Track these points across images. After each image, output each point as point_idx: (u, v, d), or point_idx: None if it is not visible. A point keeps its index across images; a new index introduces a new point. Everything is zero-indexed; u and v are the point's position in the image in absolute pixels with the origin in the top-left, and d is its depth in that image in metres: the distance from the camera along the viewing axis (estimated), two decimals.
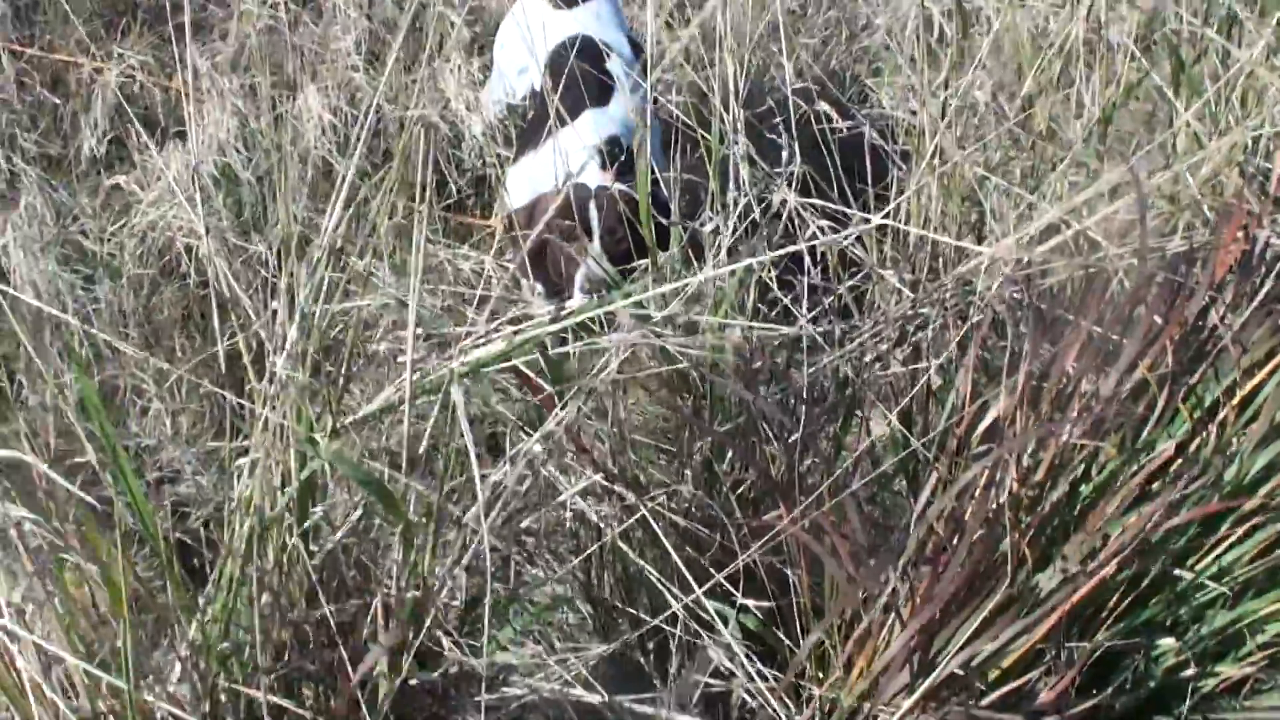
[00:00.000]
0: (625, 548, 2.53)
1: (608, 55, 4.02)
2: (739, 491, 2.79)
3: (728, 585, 2.47)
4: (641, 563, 2.49)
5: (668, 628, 2.48)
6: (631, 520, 2.50)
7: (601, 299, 3.53)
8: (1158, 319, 2.49)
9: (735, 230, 2.74)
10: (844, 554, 2.41)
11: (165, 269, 4.00)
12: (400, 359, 2.21)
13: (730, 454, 2.76)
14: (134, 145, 4.43)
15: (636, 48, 4.26)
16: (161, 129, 4.66)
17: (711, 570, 2.47)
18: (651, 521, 2.42)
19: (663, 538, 2.40)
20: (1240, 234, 2.64)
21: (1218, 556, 2.61)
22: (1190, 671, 2.66)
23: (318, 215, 4.11)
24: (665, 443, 2.97)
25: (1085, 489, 2.55)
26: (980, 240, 3.27)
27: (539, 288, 3.82)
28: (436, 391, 2.25)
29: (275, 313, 2.24)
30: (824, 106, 3.34)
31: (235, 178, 4.17)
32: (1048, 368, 2.44)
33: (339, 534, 2.35)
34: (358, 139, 2.26)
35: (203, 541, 2.91)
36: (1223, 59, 3.63)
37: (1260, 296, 2.70)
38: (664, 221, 2.85)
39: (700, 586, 2.38)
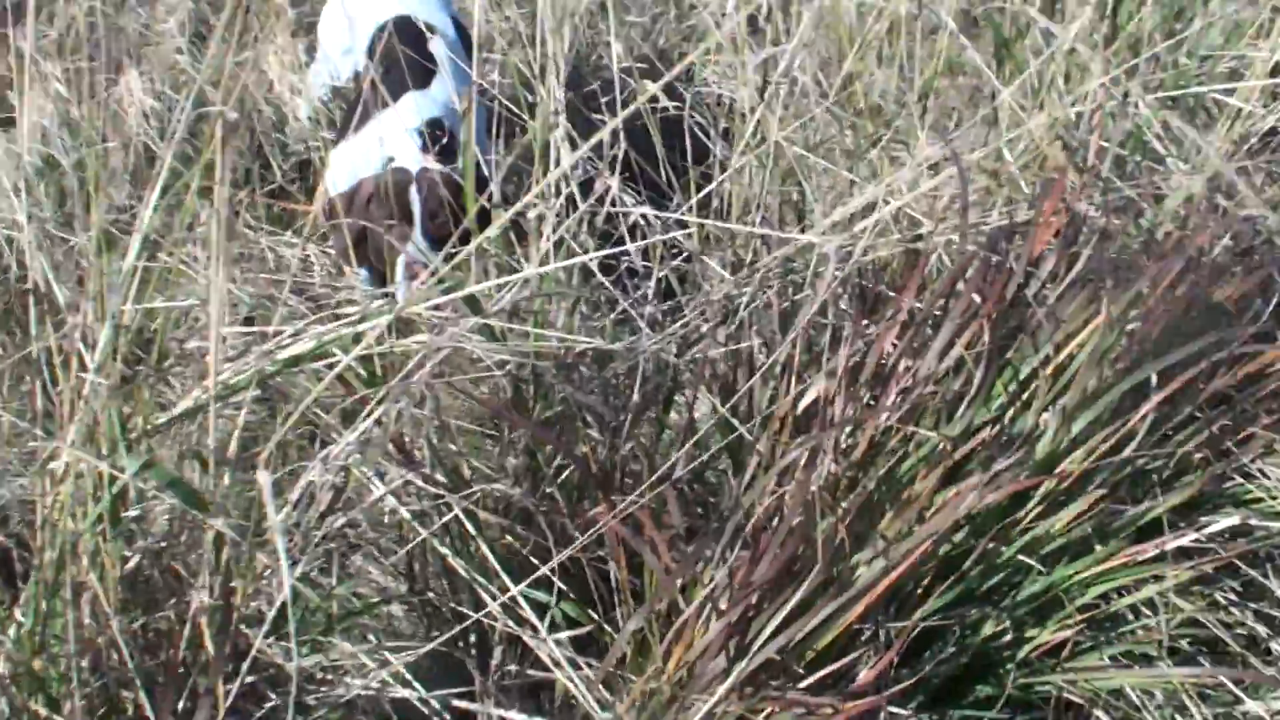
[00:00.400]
0: (441, 548, 2.51)
1: (430, 36, 3.98)
2: (561, 479, 2.80)
3: (551, 576, 2.46)
4: (457, 562, 2.48)
5: (488, 621, 2.48)
6: (449, 516, 2.49)
7: (426, 287, 3.52)
8: (976, 296, 2.52)
9: (558, 218, 2.72)
10: (662, 543, 2.41)
11: None
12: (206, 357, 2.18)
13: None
14: None
15: (461, 29, 4.22)
16: None
17: (535, 562, 2.47)
18: (464, 520, 2.41)
19: (478, 537, 2.39)
20: (1060, 207, 2.68)
21: (1031, 527, 2.64)
22: (1008, 639, 2.69)
23: (140, 204, 4.06)
24: (491, 430, 2.95)
25: (904, 467, 2.57)
26: (801, 219, 3.28)
27: (363, 274, 3.78)
28: (247, 389, 2.22)
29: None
30: (649, 85, 3.34)
31: (58, 166, 4.09)
32: (868, 348, 2.46)
33: (149, 539, 2.31)
34: (177, 125, 2.22)
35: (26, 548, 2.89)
36: (1045, 36, 3.67)
37: (1077, 268, 2.75)
38: (486, 205, 2.83)
39: (524, 577, 2.38)
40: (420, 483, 2.47)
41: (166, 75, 4.57)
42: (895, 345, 2.57)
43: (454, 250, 3.25)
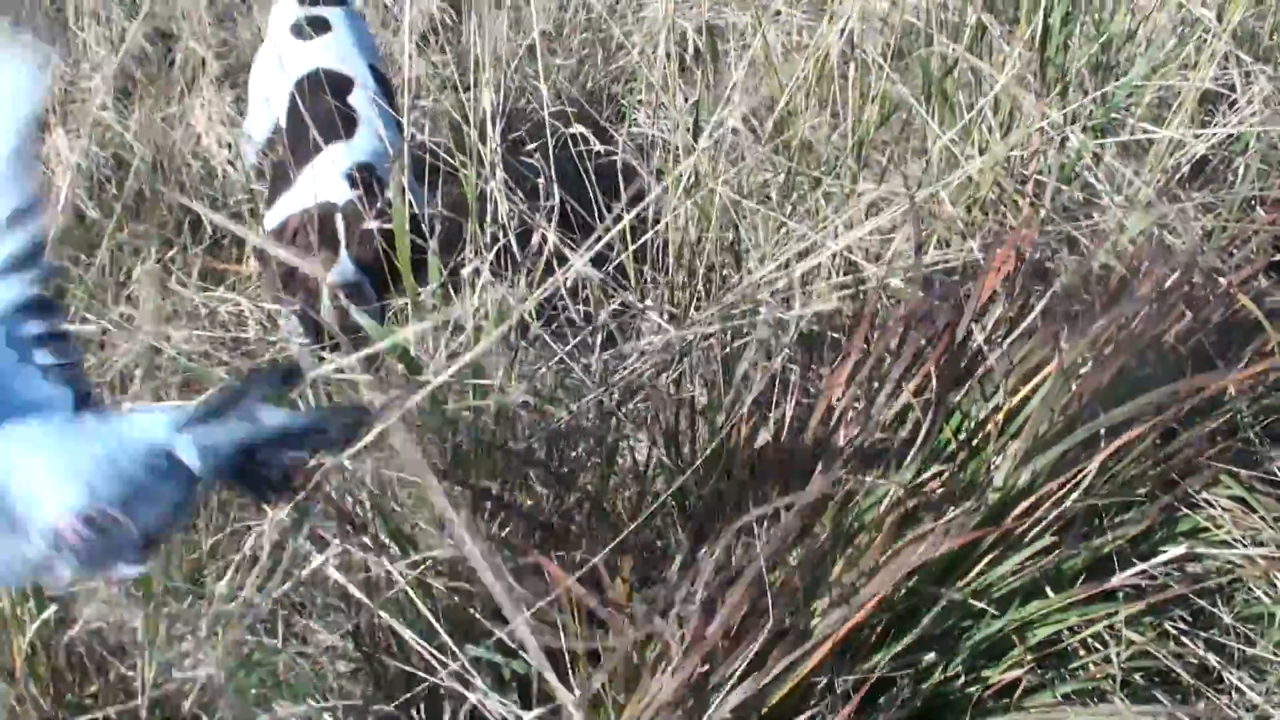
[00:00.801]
0: (386, 615, 2.48)
1: (350, 87, 3.94)
2: (506, 532, 2.77)
3: (504, 637, 2.44)
4: (404, 629, 2.44)
5: (433, 679, 2.45)
6: (396, 588, 2.45)
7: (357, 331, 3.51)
8: (924, 342, 2.51)
9: (495, 273, 2.71)
10: (620, 597, 2.39)
11: None
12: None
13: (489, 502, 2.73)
14: None
15: (381, 77, 4.18)
16: None
17: (484, 621, 2.45)
18: (409, 589, 2.38)
19: (419, 602, 2.36)
20: (1010, 254, 2.68)
21: (983, 571, 2.63)
22: (961, 681, 2.68)
23: (71, 264, 4.02)
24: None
25: (855, 515, 2.56)
26: (739, 262, 3.27)
27: (294, 321, 3.75)
28: None
29: None
30: (580, 129, 3.32)
31: None
32: (816, 394, 2.45)
33: (82, 621, 2.27)
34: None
35: None
36: (975, 73, 3.69)
37: (1030, 315, 2.75)
38: (423, 244, 2.80)
39: (474, 635, 2.36)
40: (359, 551, 2.43)
41: (93, 132, 4.52)
42: (843, 391, 2.55)
43: (386, 303, 3.23)
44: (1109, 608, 2.72)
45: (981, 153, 3.44)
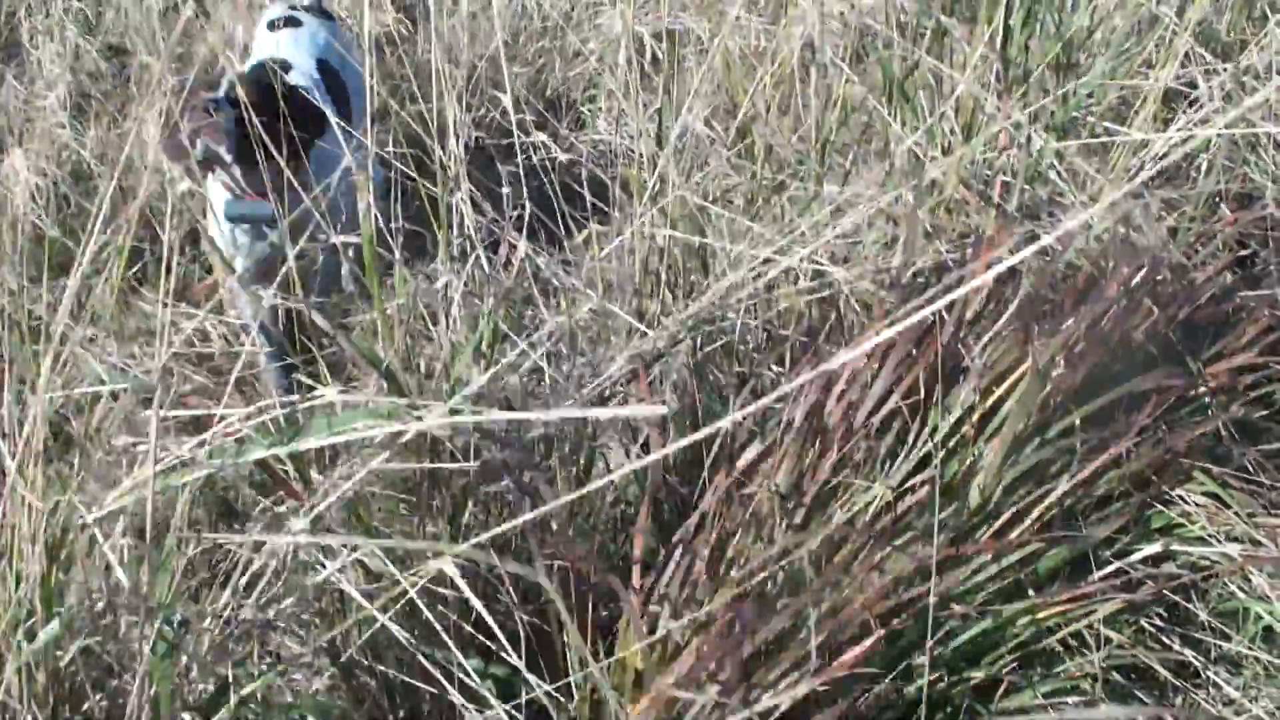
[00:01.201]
0: (392, 625, 2.45)
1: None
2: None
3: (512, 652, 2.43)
4: (404, 637, 2.42)
5: (418, 684, 2.45)
6: (402, 600, 2.44)
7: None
8: (910, 349, 2.51)
9: (466, 284, 2.70)
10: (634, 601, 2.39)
11: None
12: (138, 447, 2.14)
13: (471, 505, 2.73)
14: None
15: (329, 70, 4.22)
16: None
17: (467, 627, 2.44)
18: (416, 601, 2.36)
19: (429, 616, 2.34)
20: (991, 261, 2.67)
21: (964, 575, 2.63)
22: (943, 684, 2.68)
23: (31, 285, 3.99)
24: (407, 496, 2.91)
25: (838, 519, 2.56)
26: (706, 268, 3.27)
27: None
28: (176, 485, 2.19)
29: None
30: (541, 137, 3.32)
31: None
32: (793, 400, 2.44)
33: (79, 641, 2.26)
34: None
35: None
36: (936, 75, 3.69)
37: (1005, 315, 2.75)
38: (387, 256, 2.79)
39: (456, 641, 2.35)
40: (340, 573, 2.42)
41: (50, 151, 4.50)
42: (828, 396, 2.55)
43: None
44: (1087, 606, 2.72)
45: (945, 153, 3.44)
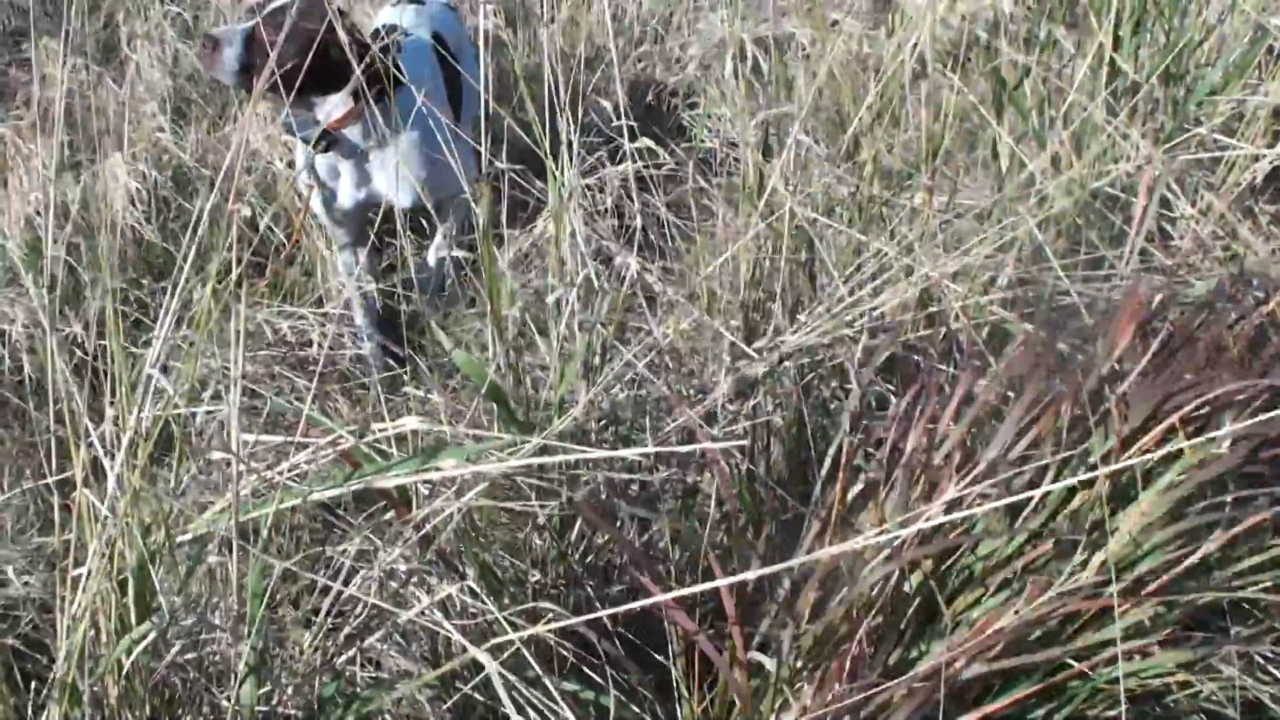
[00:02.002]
0: (485, 657, 2.43)
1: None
2: (588, 561, 2.75)
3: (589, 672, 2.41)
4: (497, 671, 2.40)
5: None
6: (502, 639, 2.42)
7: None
8: (1052, 384, 2.43)
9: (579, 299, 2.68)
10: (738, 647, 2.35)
11: None
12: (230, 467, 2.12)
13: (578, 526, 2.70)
14: None
15: (443, 42, 4.25)
16: None
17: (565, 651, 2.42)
18: (516, 640, 2.34)
19: (525, 653, 2.32)
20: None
21: (1091, 630, 2.55)
22: None
23: (130, 288, 4.01)
24: (508, 522, 2.89)
25: (960, 567, 2.50)
26: (813, 280, 3.23)
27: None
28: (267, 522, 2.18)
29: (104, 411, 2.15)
30: (648, 143, 3.29)
31: (39, 250, 4.03)
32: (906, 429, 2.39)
33: (174, 652, 2.25)
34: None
35: (35, 646, 2.83)
36: (1045, 84, 3.64)
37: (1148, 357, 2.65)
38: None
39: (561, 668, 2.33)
40: (464, 597, 2.40)
41: (150, 154, 4.51)
42: (937, 427, 2.48)
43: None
44: (1207, 651, 2.63)
45: (1054, 164, 3.38)
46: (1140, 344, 2.54)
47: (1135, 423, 2.46)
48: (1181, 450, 2.46)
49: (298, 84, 3.03)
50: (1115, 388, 2.49)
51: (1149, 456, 2.07)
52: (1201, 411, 2.51)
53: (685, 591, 1.88)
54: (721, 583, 1.87)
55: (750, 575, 1.83)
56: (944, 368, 2.76)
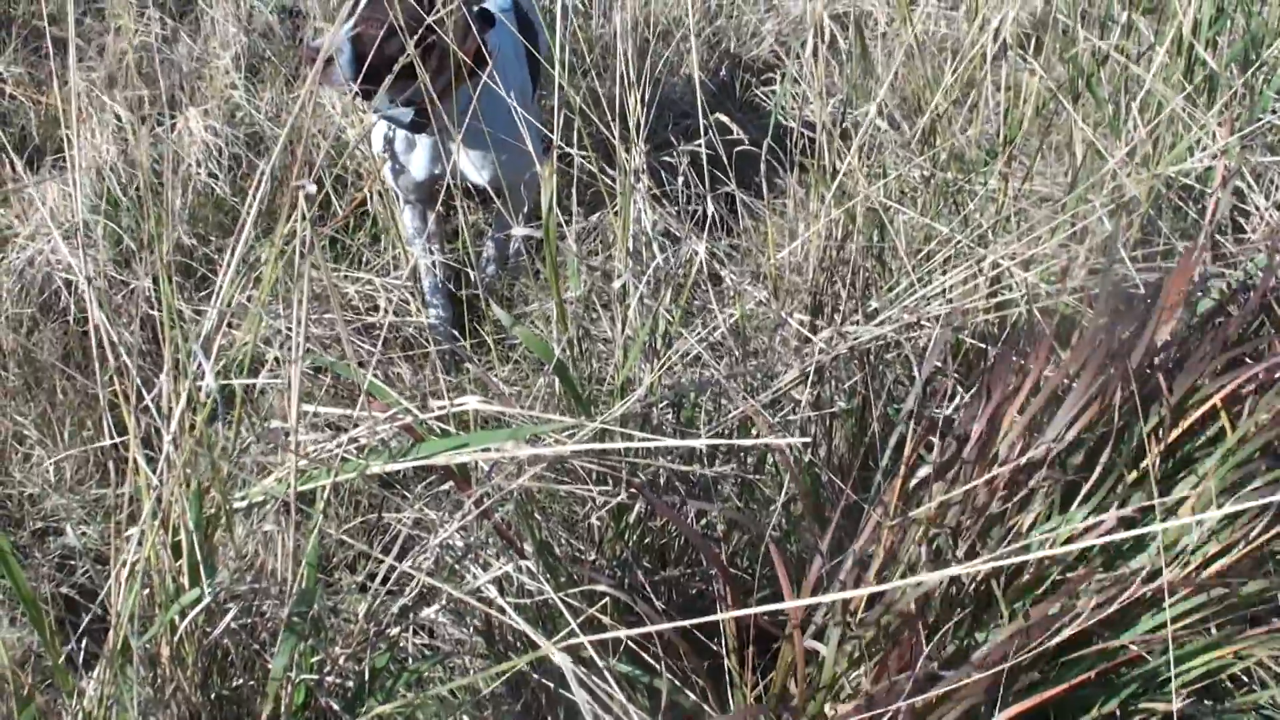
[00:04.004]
0: (541, 638, 2.42)
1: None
2: (646, 542, 2.74)
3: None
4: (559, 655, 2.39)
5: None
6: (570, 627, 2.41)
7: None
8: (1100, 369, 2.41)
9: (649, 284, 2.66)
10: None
11: (44, 306, 3.85)
12: (289, 437, 2.12)
13: (637, 509, 2.69)
14: (8, 175, 4.28)
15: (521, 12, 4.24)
16: (37, 147, 4.54)
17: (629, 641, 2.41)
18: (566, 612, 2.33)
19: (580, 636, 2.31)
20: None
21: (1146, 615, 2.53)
22: (1117, 714, 2.60)
23: (199, 244, 4.01)
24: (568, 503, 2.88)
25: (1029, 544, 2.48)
26: (883, 266, 3.21)
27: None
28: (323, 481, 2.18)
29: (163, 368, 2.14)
30: (721, 118, 3.26)
31: (115, 202, 4.04)
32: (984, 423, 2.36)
33: (229, 617, 2.25)
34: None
35: (90, 596, 2.84)
36: (1122, 69, 3.60)
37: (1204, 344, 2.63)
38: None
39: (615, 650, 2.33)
40: (522, 577, 2.39)
41: (222, 110, 4.51)
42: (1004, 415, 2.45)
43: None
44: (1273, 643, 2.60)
45: (1130, 155, 3.34)
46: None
47: (1175, 399, 2.44)
48: (1224, 430, 2.45)
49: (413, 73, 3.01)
50: (1162, 364, 2.48)
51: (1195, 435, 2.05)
52: (1246, 390, 2.50)
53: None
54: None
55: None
56: (1013, 356, 2.74)
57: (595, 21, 4.99)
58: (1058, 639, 2.29)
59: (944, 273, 2.83)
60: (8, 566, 2.12)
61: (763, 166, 3.13)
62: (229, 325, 2.25)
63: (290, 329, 2.94)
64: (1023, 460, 2.31)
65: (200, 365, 2.08)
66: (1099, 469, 2.39)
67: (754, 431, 2.73)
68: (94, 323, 2.23)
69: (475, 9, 3.75)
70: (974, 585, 2.43)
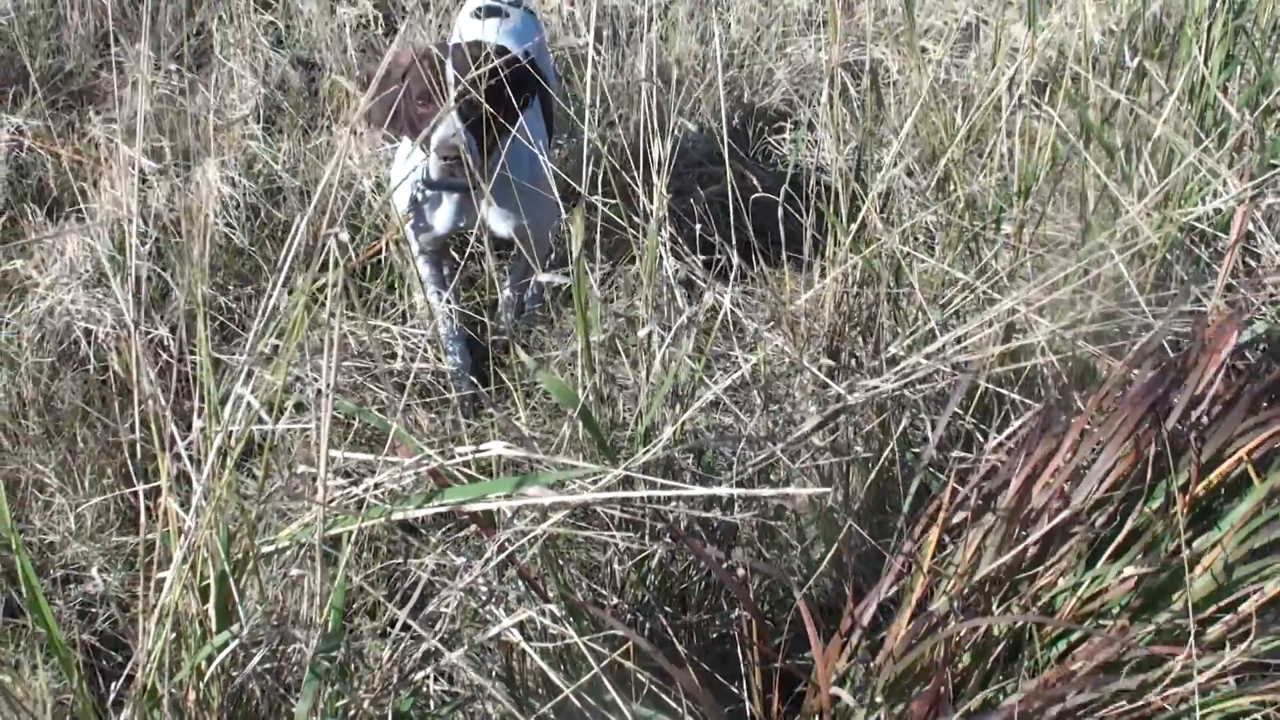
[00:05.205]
0: (558, 679, 2.44)
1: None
2: (666, 586, 2.75)
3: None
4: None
5: None
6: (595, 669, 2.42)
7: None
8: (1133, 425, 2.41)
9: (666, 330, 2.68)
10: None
11: (64, 355, 3.88)
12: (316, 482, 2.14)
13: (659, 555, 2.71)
14: (29, 225, 4.32)
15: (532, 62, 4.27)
16: (55, 200, 4.57)
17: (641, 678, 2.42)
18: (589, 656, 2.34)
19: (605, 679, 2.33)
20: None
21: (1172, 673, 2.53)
22: None
23: (217, 293, 4.04)
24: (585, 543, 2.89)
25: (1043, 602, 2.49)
26: (899, 312, 3.22)
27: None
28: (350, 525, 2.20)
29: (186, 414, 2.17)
30: (739, 167, 3.29)
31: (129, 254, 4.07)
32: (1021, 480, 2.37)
33: (254, 661, 2.26)
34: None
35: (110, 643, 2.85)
36: (1133, 116, 3.62)
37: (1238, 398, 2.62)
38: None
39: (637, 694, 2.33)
40: (545, 620, 2.40)
41: (240, 161, 4.55)
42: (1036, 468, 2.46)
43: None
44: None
45: (1139, 198, 3.35)
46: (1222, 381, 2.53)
47: (1207, 456, 2.45)
48: (1251, 482, 2.45)
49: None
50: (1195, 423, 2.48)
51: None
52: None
53: None
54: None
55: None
56: (1028, 402, 2.75)
57: (609, 71, 5.02)
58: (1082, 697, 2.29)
59: (961, 319, 2.85)
60: (40, 611, 2.14)
61: (780, 212, 3.15)
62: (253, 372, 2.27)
63: (312, 375, 2.97)
64: (1058, 520, 2.32)
65: (242, 409, 2.11)
66: (1129, 522, 2.40)
67: (772, 477, 2.76)
68: (130, 370, 2.25)
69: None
70: (1003, 636, 2.44)
